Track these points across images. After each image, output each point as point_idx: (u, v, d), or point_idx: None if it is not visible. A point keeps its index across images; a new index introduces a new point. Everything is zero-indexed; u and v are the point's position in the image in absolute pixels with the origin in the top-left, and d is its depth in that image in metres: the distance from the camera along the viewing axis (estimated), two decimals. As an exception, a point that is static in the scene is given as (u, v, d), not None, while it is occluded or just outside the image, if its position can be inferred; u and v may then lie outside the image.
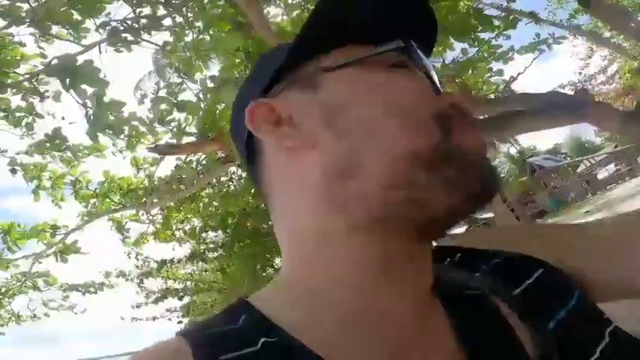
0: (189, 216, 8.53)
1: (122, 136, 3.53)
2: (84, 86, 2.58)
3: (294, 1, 4.34)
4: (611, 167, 23.27)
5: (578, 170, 26.32)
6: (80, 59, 2.70)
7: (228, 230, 8.61)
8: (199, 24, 3.98)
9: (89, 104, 2.86)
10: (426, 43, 0.34)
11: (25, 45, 3.82)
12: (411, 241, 0.30)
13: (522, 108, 5.53)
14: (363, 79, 0.31)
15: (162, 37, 4.55)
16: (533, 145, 36.96)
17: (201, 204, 8.24)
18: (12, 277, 5.65)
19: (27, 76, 3.20)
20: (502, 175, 22.89)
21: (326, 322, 0.29)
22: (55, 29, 3.70)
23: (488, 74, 4.56)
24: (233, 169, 9.23)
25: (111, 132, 3.24)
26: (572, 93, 5.35)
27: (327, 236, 0.30)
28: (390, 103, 0.30)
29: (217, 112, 4.45)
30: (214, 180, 8.44)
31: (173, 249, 8.82)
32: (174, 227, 8.22)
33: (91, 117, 2.91)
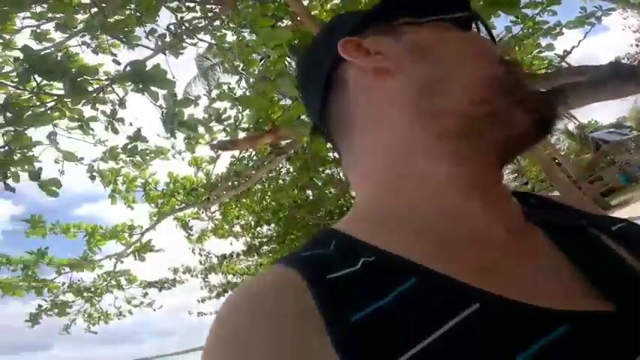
0: (243, 211, 8.97)
1: (193, 133, 3.80)
2: (154, 88, 2.73)
3: None
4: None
5: (652, 141, 23.56)
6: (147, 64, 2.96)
7: (280, 223, 8.87)
8: (242, 21, 4.16)
9: (163, 105, 3.11)
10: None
11: (97, 54, 4.22)
12: (492, 159, 0.33)
13: (579, 80, 5.13)
14: (444, 31, 0.39)
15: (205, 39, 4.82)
16: (594, 119, 33.63)
17: (254, 198, 8.65)
18: (98, 277, 6.05)
19: (105, 83, 3.49)
20: (562, 152, 21.18)
21: (420, 243, 0.29)
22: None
23: (537, 50, 4.33)
24: (281, 164, 9.56)
25: (185, 128, 3.50)
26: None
27: (419, 149, 0.33)
28: (469, 45, 0.38)
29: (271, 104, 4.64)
30: (266, 175, 8.79)
31: (231, 244, 9.30)
32: (231, 223, 8.60)
33: (166, 116, 3.17)
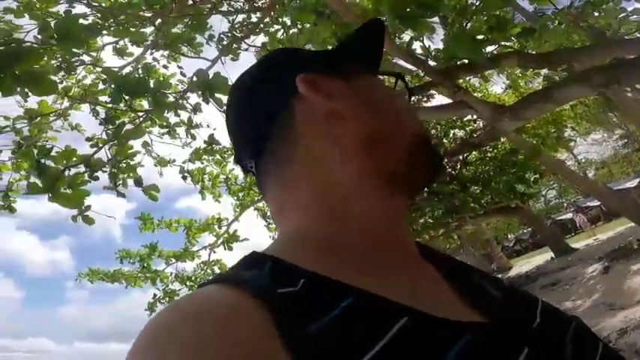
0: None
1: None
2: (219, 95, 2.88)
3: None
4: None
5: None
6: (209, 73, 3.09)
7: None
8: (286, 20, 4.21)
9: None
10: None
11: (167, 67, 4.53)
12: (409, 198, 0.41)
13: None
14: (382, 86, 0.45)
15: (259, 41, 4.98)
16: None
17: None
18: (197, 266, 6.52)
19: (181, 92, 3.81)
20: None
21: (349, 268, 0.31)
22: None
23: (622, 15, 3.62)
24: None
25: None
26: None
27: (360, 185, 0.37)
28: (402, 103, 0.44)
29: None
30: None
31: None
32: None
33: None
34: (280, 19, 4.33)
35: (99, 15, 3.25)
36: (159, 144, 4.50)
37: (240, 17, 4.51)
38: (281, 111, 0.39)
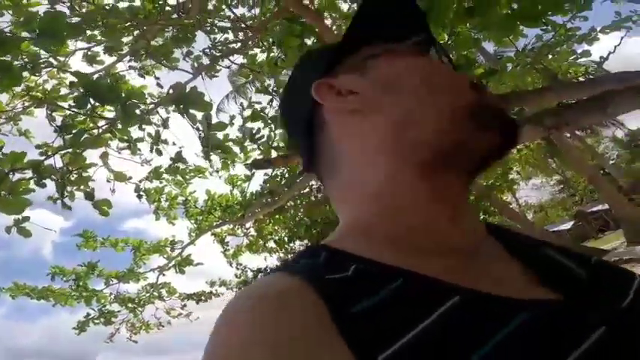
0: (277, 227, 9.14)
1: (225, 156, 3.95)
2: (193, 111, 2.87)
3: (349, 10, 4.60)
4: None
5: None
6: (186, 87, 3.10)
7: (313, 238, 8.93)
8: (270, 41, 4.33)
9: (200, 127, 3.28)
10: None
11: (144, 77, 4.41)
12: (463, 182, 0.37)
13: (621, 87, 4.87)
14: (407, 61, 0.40)
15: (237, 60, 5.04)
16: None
17: (288, 215, 8.80)
18: (142, 288, 6.27)
19: (151, 106, 3.70)
20: (612, 162, 19.83)
21: (402, 254, 0.32)
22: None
23: (573, 57, 4.18)
24: (314, 181, 9.71)
25: (220, 151, 3.65)
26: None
27: (401, 177, 0.36)
28: (433, 74, 0.39)
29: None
30: (298, 192, 8.97)
31: (265, 259, 9.44)
32: (265, 239, 8.78)
33: (204, 139, 3.35)
34: (264, 42, 4.40)
35: (80, 19, 3.16)
36: (114, 158, 4.22)
37: (223, 36, 4.51)
38: (313, 120, 0.41)
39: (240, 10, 4.45)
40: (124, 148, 4.22)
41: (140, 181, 5.14)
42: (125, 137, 4.02)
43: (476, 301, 0.28)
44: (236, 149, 4.67)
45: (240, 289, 0.35)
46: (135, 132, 4.02)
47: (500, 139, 0.37)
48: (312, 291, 0.28)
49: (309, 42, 3.56)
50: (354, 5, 4.47)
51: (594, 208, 21.58)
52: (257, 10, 4.37)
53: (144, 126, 3.94)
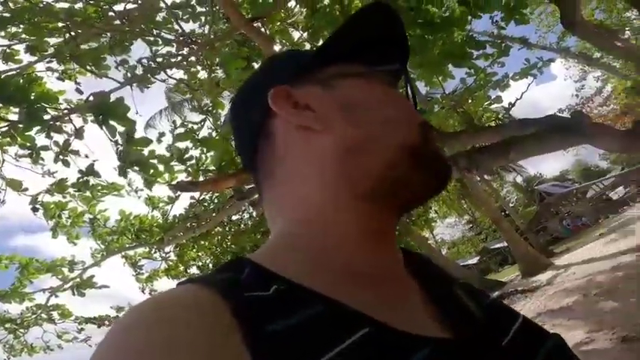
0: (201, 253, 8.59)
1: (146, 174, 3.67)
2: (113, 123, 2.64)
3: (300, 40, 4.75)
4: (621, 190, 23.11)
5: (588, 195, 26.08)
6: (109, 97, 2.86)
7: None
8: (215, 61, 4.24)
9: (119, 141, 3.01)
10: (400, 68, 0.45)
11: (63, 81, 4.05)
12: (393, 214, 0.38)
13: (523, 133, 5.71)
14: (373, 88, 0.40)
15: (177, 75, 4.85)
16: (540, 172, 37.07)
17: (214, 241, 8.33)
18: (27, 309, 5.73)
19: (65, 111, 3.34)
20: (512, 205, 22.60)
21: (325, 278, 0.33)
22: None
23: (487, 102, 4.78)
24: (244, 207, 9.43)
25: (138, 169, 3.37)
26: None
27: (337, 204, 0.36)
28: (392, 107, 0.39)
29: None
30: (227, 218, 8.60)
31: None
32: (187, 264, 8.25)
33: (121, 154, 3.05)
34: (207, 61, 4.26)
35: (9, 14, 2.84)
36: (10, 166, 3.70)
37: (165, 49, 4.31)
38: (262, 127, 0.40)
39: (190, 25, 4.30)
40: (24, 155, 3.71)
41: (38, 194, 4.52)
42: (27, 143, 3.53)
43: (383, 334, 0.29)
44: (161, 168, 4.37)
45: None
46: (41, 139, 3.55)
47: (436, 183, 0.38)
48: (224, 306, 0.27)
49: (255, 65, 3.56)
50: (305, 34, 4.62)
51: (496, 245, 24.30)
52: (207, 28, 4.26)
53: (52, 134, 3.53)
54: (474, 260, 25.50)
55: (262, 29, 3.81)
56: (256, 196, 5.92)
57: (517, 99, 4.62)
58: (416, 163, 0.36)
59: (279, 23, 4.59)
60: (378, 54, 0.41)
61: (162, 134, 4.39)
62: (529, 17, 4.34)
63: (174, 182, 4.54)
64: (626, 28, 11.90)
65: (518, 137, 5.36)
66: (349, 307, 0.29)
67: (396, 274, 0.38)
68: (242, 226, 9.48)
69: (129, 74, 4.14)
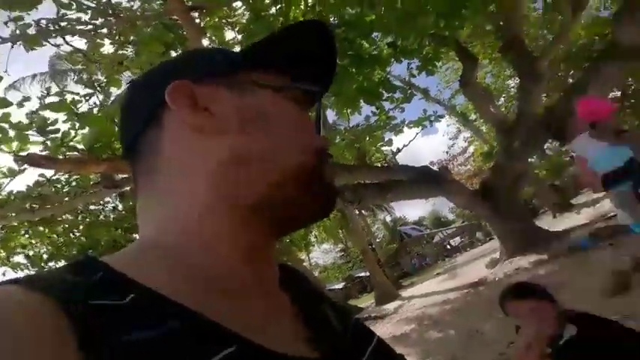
0: (34, 241, 7.09)
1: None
2: None
3: (232, 40, 4.56)
4: (458, 239, 28.37)
5: (434, 240, 31.15)
6: None
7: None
8: (129, 39, 3.76)
9: None
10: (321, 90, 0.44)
11: None
12: (272, 233, 0.37)
13: (401, 178, 6.55)
14: (282, 103, 0.38)
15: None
16: (404, 215, 42.70)
17: (58, 229, 6.98)
18: None
19: None
20: (378, 240, 25.13)
21: (191, 290, 0.31)
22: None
23: (380, 143, 5.34)
24: (109, 198, 8.22)
25: None
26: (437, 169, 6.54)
27: (216, 213, 0.34)
28: (296, 127, 0.38)
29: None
30: (83, 205, 7.35)
31: (3, 274, 7.09)
32: (12, 250, 6.73)
33: None
34: (121, 37, 3.71)
35: None
36: None
37: (77, 15, 3.64)
38: (155, 116, 0.37)
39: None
40: None
41: None
42: None
43: (249, 352, 0.28)
44: (12, 134, 3.57)
45: None
46: None
47: (321, 209, 0.38)
48: (57, 312, 0.24)
49: (173, 54, 3.24)
50: (239, 37, 4.41)
51: (360, 274, 26.68)
52: (137, 3, 3.74)
53: None
54: (340, 285, 27.37)
55: (197, 20, 3.55)
56: (128, 188, 5.25)
57: (404, 145, 5.26)
58: (306, 186, 0.36)
59: (217, 19, 4.35)
60: (303, 71, 0.41)
61: (26, 98, 3.63)
62: (437, 70, 5.08)
63: (23, 153, 3.72)
64: (503, 95, 14.31)
65: (397, 181, 6.13)
66: (215, 323, 0.28)
67: (270, 290, 0.37)
68: (101, 217, 8.25)
69: (18, 31, 3.42)
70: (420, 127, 5.42)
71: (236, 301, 0.32)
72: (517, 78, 7.75)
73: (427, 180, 5.85)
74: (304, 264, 17.07)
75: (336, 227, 18.25)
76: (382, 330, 5.93)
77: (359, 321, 0.43)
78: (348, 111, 4.12)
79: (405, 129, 5.26)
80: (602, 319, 1.36)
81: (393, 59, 4.41)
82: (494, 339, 3.19)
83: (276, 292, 0.38)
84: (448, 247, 28.38)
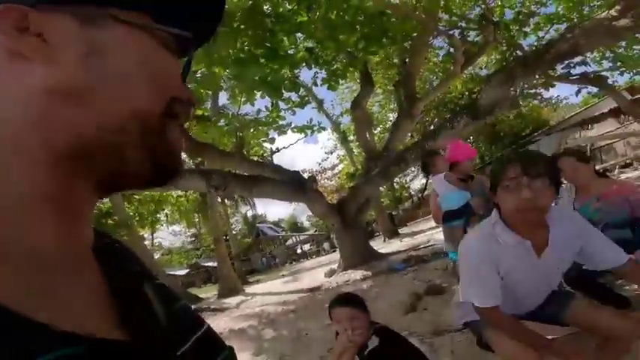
0: None
1: None
2: None
3: None
4: (307, 246, 30.49)
5: (287, 243, 32.67)
6: None
7: None
8: None
9: None
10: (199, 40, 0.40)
11: None
12: (94, 189, 0.32)
13: (272, 177, 6.65)
14: (140, 42, 0.33)
15: None
16: (265, 213, 43.47)
17: None
18: None
19: None
20: (234, 233, 24.83)
21: None
22: None
23: (264, 139, 5.32)
24: None
25: None
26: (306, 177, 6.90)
27: (21, 150, 0.29)
28: (151, 71, 0.33)
29: None
30: None
31: None
32: None
33: None
34: None
35: None
36: None
37: None
38: None
39: None
40: None
41: None
42: None
43: (55, 339, 0.25)
44: None
45: None
46: None
47: (154, 174, 0.34)
48: None
49: None
50: None
51: (208, 264, 25.74)
52: None
53: None
54: (183, 272, 25.75)
55: None
56: None
57: (284, 147, 5.39)
58: (142, 136, 0.32)
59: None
60: (178, 15, 0.36)
61: None
62: (338, 87, 5.29)
63: None
64: (381, 126, 15.51)
65: (266, 178, 6.21)
66: (15, 313, 0.24)
67: (80, 261, 0.32)
68: None
69: None
70: (304, 134, 5.65)
71: (30, 270, 0.27)
72: (396, 113, 8.54)
73: (295, 185, 6.12)
74: (145, 242, 15.48)
75: (193, 210, 17.27)
76: (221, 323, 5.84)
77: (188, 308, 0.40)
78: (242, 98, 4.00)
79: (290, 132, 5.41)
80: (397, 335, 1.56)
81: (304, 64, 4.49)
82: (319, 342, 3.50)
83: (88, 264, 0.33)
84: (298, 251, 30.17)
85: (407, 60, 7.72)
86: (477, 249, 1.36)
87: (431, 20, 5.69)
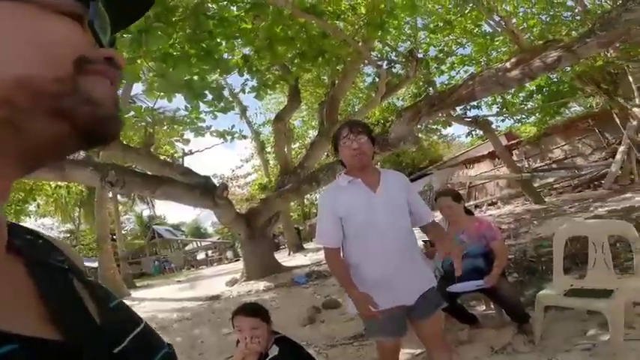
0: None
1: None
2: None
3: None
4: (209, 252, 29.06)
5: (187, 247, 30.67)
6: None
7: None
8: None
9: None
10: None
11: None
12: (10, 167, 0.29)
13: (176, 179, 6.27)
14: (13, 11, 0.28)
15: None
16: (164, 215, 40.19)
17: None
18: None
19: None
20: (124, 232, 22.41)
21: None
22: None
23: (177, 138, 4.98)
24: None
25: None
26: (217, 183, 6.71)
27: None
28: (27, 36, 0.28)
29: None
30: None
31: None
32: None
33: None
34: None
35: None
36: None
37: None
38: None
39: None
40: None
41: None
42: None
43: None
44: None
45: None
46: None
47: (82, 133, 0.29)
48: None
49: None
50: None
51: (86, 264, 22.62)
52: None
53: None
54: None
55: None
56: None
57: (197, 150, 5.15)
58: (36, 106, 0.27)
59: None
60: None
61: None
62: (264, 96, 5.26)
63: None
64: (300, 141, 15.38)
65: (173, 180, 5.85)
66: None
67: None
68: None
69: None
70: (222, 139, 5.52)
71: None
72: (317, 132, 8.78)
73: (204, 190, 5.88)
74: None
75: (74, 203, 15.17)
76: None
77: (123, 306, 0.39)
78: (160, 93, 3.76)
79: (208, 135, 5.23)
80: (297, 345, 1.64)
81: (237, 70, 4.45)
82: (215, 350, 3.42)
83: (7, 263, 0.31)
84: (199, 257, 28.55)
85: (336, 82, 8.07)
86: (322, 198, 1.79)
87: (366, 48, 6.04)
